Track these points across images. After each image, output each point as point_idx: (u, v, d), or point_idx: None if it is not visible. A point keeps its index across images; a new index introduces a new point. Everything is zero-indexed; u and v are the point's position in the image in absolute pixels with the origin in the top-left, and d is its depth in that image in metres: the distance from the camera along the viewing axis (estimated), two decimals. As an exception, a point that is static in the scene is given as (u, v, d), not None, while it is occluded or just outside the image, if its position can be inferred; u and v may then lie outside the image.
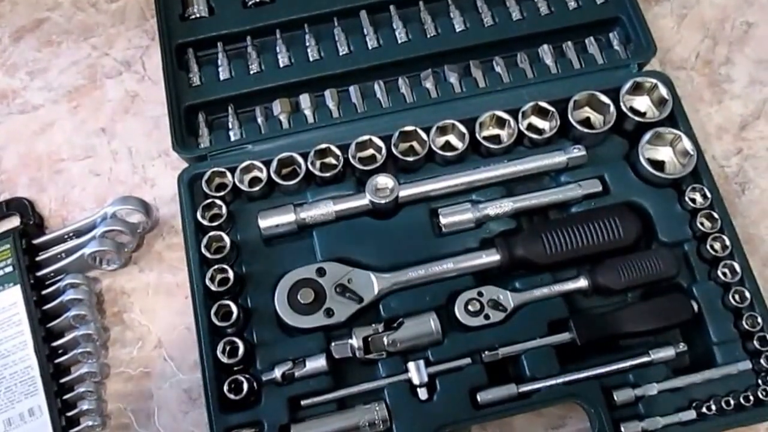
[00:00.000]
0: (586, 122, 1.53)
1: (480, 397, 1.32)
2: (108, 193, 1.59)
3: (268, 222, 1.44)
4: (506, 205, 1.45)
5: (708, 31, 1.75)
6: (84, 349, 1.43)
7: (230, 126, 1.58)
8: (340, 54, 1.62)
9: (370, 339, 1.36)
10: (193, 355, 1.40)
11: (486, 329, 1.37)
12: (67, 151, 1.65)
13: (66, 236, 1.52)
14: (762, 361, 1.33)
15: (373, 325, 1.38)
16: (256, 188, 1.46)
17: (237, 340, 1.35)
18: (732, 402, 1.31)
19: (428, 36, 1.63)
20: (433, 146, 1.48)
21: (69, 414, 1.40)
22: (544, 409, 1.40)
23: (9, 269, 1.47)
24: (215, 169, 1.48)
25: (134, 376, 1.47)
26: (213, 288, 1.39)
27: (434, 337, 1.36)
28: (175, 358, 1.48)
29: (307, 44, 1.63)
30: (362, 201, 1.46)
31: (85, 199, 1.60)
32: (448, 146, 1.52)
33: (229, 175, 1.47)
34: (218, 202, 1.45)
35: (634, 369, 1.34)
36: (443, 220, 1.44)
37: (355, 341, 1.35)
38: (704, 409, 1.31)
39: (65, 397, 1.41)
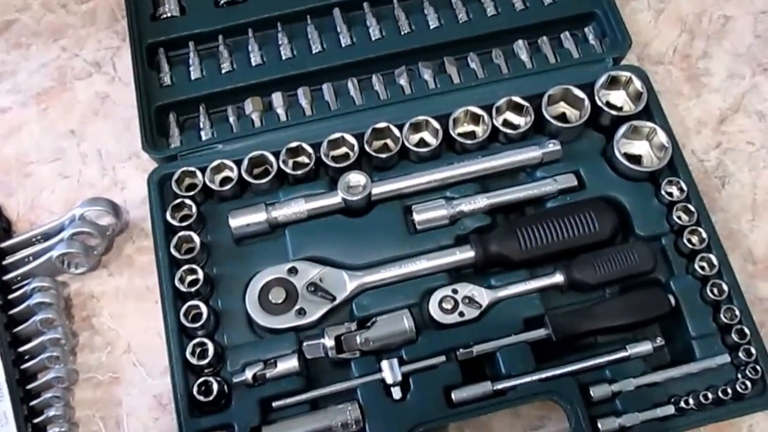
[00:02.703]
0: (562, 117, 1.51)
1: (454, 395, 1.30)
2: (77, 196, 1.55)
3: (239, 221, 1.42)
4: (480, 201, 1.43)
5: (685, 25, 1.73)
6: (51, 354, 1.40)
7: (201, 126, 1.56)
8: (313, 52, 1.60)
9: (342, 338, 1.33)
10: (163, 360, 1.36)
11: (461, 327, 1.35)
12: (36, 154, 1.62)
13: (33, 239, 1.49)
14: (740, 354, 1.31)
15: (346, 324, 1.36)
16: (227, 187, 1.44)
17: (207, 341, 1.33)
18: (710, 396, 1.28)
19: (402, 33, 1.61)
20: (406, 143, 1.46)
21: (36, 421, 1.37)
22: (523, 410, 1.39)
23: (-26, 273, 1.44)
24: (185, 168, 1.45)
25: (103, 382, 1.44)
26: (182, 289, 1.37)
27: (408, 336, 1.34)
28: (145, 363, 1.45)
29: (280, 43, 1.61)
30: (335, 199, 1.44)
31: (54, 203, 1.58)
32: (422, 143, 1.50)
33: (199, 174, 1.45)
34: (188, 202, 1.43)
35: (611, 365, 1.32)
36: (417, 217, 1.42)
37: (328, 341, 1.33)
38: (682, 404, 1.28)
39: (32, 403, 1.38)
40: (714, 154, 1.60)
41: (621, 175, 1.45)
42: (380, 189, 1.45)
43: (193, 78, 1.59)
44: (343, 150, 1.49)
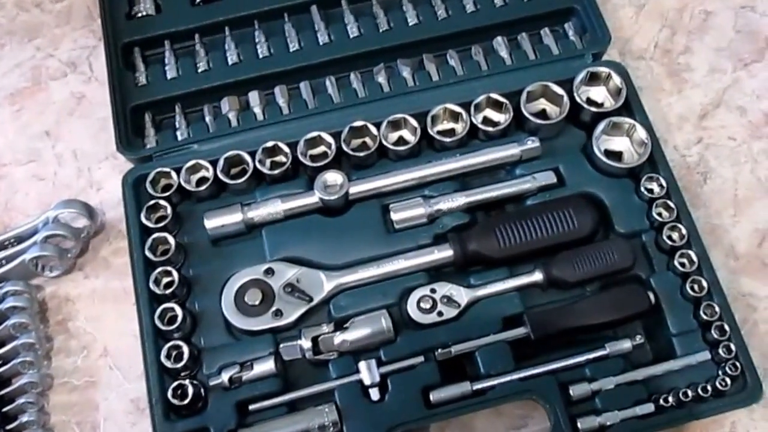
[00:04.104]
0: (542, 114, 1.50)
1: (433, 396, 1.28)
2: (52, 197, 1.53)
3: (214, 222, 1.40)
4: (459, 200, 1.42)
5: (666, 21, 1.72)
6: (25, 358, 1.37)
7: (177, 126, 1.54)
8: (291, 50, 1.58)
9: (320, 339, 1.32)
10: (141, 363, 1.34)
11: (439, 327, 1.34)
12: (10, 155, 1.60)
13: (6, 242, 1.47)
14: (721, 351, 1.30)
15: (323, 325, 1.34)
16: (203, 188, 1.42)
17: (182, 344, 1.31)
18: (690, 394, 1.27)
19: (380, 30, 1.59)
20: (384, 141, 1.45)
21: (9, 427, 1.34)
22: (505, 409, 1.37)
23: (-54, 278, 1.42)
24: (160, 169, 1.44)
25: (79, 387, 1.42)
26: (157, 291, 1.35)
27: (386, 336, 1.32)
28: (122, 367, 1.43)
29: (257, 41, 1.59)
30: (312, 198, 1.42)
31: (28, 205, 1.56)
32: (401, 141, 1.49)
33: (174, 175, 1.44)
34: (163, 203, 1.41)
35: (590, 363, 1.31)
36: (394, 216, 1.41)
37: (305, 342, 1.32)
38: (662, 402, 1.27)
39: (5, 409, 1.36)
40: (696, 150, 1.59)
41: (601, 172, 1.44)
42: (358, 188, 1.43)
43: (169, 77, 1.57)
44: (321, 149, 1.48)
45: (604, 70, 1.49)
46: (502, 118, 1.49)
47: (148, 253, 1.37)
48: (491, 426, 1.38)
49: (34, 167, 1.60)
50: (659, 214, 1.39)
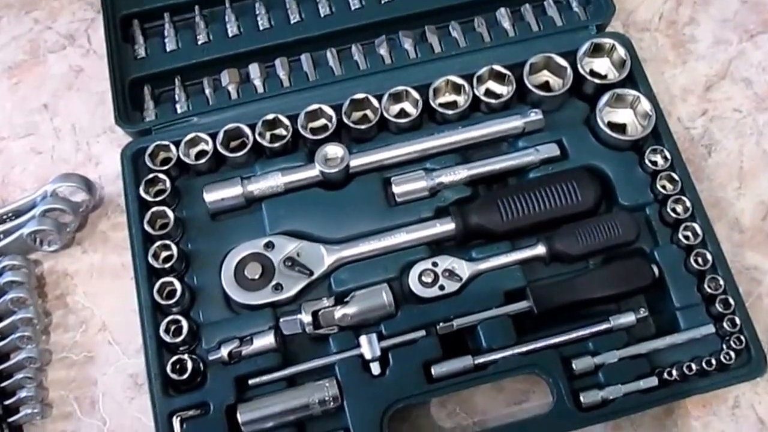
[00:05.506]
0: (545, 86, 1.48)
1: (434, 370, 1.27)
2: (50, 172, 1.51)
3: (214, 196, 1.39)
4: (461, 173, 1.40)
5: (671, -9, 1.70)
6: (23, 333, 1.37)
7: (177, 99, 1.53)
8: (292, 22, 1.56)
9: (320, 313, 1.31)
10: (139, 338, 1.33)
11: (441, 300, 1.33)
12: (7, 129, 1.59)
13: (4, 217, 1.46)
14: (725, 324, 1.29)
15: (324, 299, 1.33)
16: (202, 161, 1.41)
17: (181, 318, 1.30)
18: (694, 367, 1.26)
19: (382, 2, 1.57)
20: (386, 114, 1.43)
21: (7, 402, 1.34)
22: (506, 384, 1.36)
23: (-56, 252, 1.41)
24: (159, 142, 1.42)
25: (77, 362, 1.41)
26: (156, 265, 1.34)
27: (387, 310, 1.31)
28: (121, 342, 1.42)
29: (257, 13, 1.57)
30: (312, 172, 1.41)
31: (26, 179, 1.54)
32: (402, 114, 1.47)
33: (173, 148, 1.42)
34: (162, 176, 1.40)
35: (593, 337, 1.30)
36: (396, 189, 1.39)
37: (305, 316, 1.30)
38: (666, 376, 1.26)
39: (3, 384, 1.35)
40: (700, 122, 1.57)
41: (604, 145, 1.42)
42: (359, 161, 1.42)
43: (168, 50, 1.55)
44: (322, 122, 1.46)
45: (608, 41, 1.47)
46: (504, 90, 1.47)
47: (146, 227, 1.36)
48: (492, 402, 1.37)
49: (31, 141, 1.58)
50: (663, 187, 1.38)
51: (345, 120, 1.43)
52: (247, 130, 1.43)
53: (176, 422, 1.26)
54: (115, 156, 1.47)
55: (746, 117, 1.58)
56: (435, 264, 1.34)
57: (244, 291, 1.33)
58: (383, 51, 1.55)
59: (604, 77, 1.48)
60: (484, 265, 1.34)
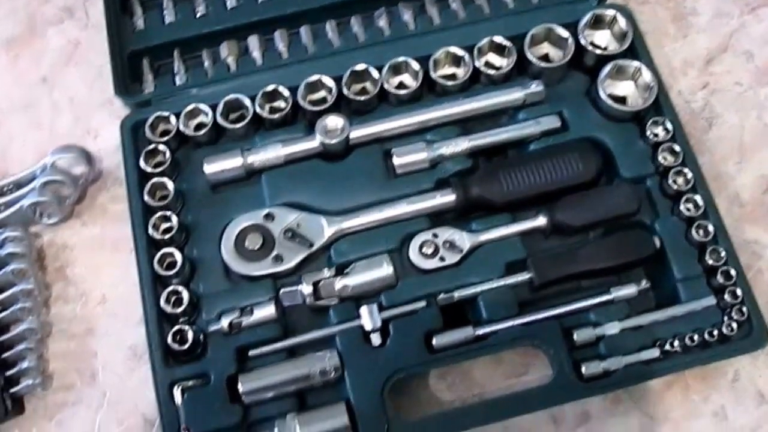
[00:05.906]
0: (546, 58, 1.47)
1: (435, 341, 1.27)
2: (49, 146, 1.50)
3: (214, 167, 1.38)
4: (462, 144, 1.40)
5: (672, -37, 1.69)
6: (23, 305, 1.36)
7: (176, 71, 1.52)
8: (291, -7, 1.55)
9: (320, 284, 1.31)
10: (139, 311, 1.33)
11: (441, 271, 1.32)
12: (6, 103, 1.58)
13: (5, 189, 1.46)
14: (726, 296, 1.29)
15: (324, 270, 1.33)
16: (202, 132, 1.41)
17: (181, 289, 1.30)
18: (696, 339, 1.26)
19: (381, -27, 1.56)
20: (385, 85, 1.43)
21: (8, 373, 1.34)
22: (505, 357, 1.36)
23: (-56, 224, 1.41)
24: (158, 114, 1.42)
25: (77, 334, 1.41)
26: (156, 236, 1.34)
27: (387, 281, 1.31)
28: (120, 314, 1.42)
29: (257, -16, 1.56)
30: (312, 143, 1.40)
31: (25, 153, 1.53)
32: (402, 86, 1.47)
33: (173, 120, 1.42)
34: (162, 148, 1.40)
35: (594, 308, 1.30)
36: (396, 161, 1.39)
37: (305, 287, 1.30)
38: (667, 347, 1.26)
39: (4, 355, 1.35)
40: (701, 95, 1.57)
41: (605, 116, 1.42)
42: (359, 133, 1.41)
43: (167, 22, 1.54)
44: (321, 93, 1.45)
45: (609, 12, 1.46)
46: (504, 62, 1.46)
47: (147, 198, 1.36)
48: (491, 374, 1.37)
49: (30, 115, 1.57)
50: (664, 159, 1.37)
51: (345, 92, 1.43)
52: (247, 102, 1.42)
53: (177, 392, 1.26)
54: (113, 129, 1.46)
55: (747, 90, 1.57)
56: (435, 235, 1.34)
57: (244, 262, 1.33)
58: (382, 23, 1.54)
59: (605, 49, 1.47)
60: (484, 237, 1.34)
